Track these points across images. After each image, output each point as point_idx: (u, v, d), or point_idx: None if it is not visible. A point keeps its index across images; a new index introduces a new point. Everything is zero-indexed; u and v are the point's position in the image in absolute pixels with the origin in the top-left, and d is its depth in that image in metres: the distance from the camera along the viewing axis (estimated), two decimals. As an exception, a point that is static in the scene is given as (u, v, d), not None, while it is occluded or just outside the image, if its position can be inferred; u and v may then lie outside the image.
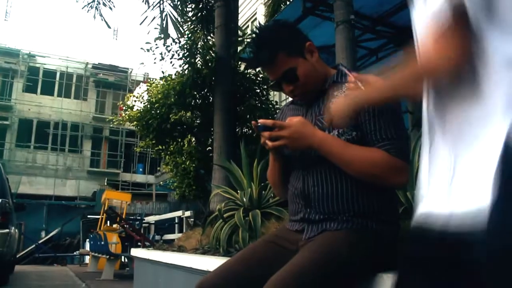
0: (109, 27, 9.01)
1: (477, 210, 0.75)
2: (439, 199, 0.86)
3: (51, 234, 18.78)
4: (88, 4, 8.16)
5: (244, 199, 3.49)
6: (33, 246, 16.94)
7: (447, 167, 0.87)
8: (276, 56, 1.54)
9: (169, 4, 7.74)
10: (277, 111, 7.65)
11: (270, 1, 8.12)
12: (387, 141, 1.40)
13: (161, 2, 7.73)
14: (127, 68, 27.43)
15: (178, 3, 7.77)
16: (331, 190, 1.47)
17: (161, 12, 7.67)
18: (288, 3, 7.70)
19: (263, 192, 3.51)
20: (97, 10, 8.21)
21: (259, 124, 1.46)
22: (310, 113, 1.60)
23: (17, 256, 9.41)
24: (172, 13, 7.79)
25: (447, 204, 0.83)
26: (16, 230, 8.16)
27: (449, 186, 0.85)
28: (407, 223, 1.88)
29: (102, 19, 8.27)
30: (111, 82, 27.06)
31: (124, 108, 8.25)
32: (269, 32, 1.64)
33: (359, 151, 1.42)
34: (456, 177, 0.84)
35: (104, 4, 8.25)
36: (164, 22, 7.62)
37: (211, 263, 2.52)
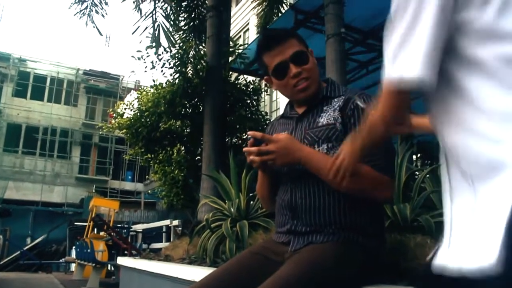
0: (101, 34, 9.00)
1: (487, 267, 0.74)
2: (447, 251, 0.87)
3: (36, 241, 18.51)
4: (81, 11, 8.16)
5: (232, 210, 3.46)
6: (18, 252, 16.68)
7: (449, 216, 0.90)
8: (289, 37, 1.60)
9: (161, 14, 7.78)
10: (267, 121, 7.68)
11: (262, 12, 8.18)
12: (373, 157, 1.40)
13: (154, 12, 7.75)
14: (118, 75, 27.37)
15: (171, 12, 7.80)
16: (318, 202, 1.47)
17: (154, 22, 7.71)
18: (280, 14, 7.77)
19: (251, 202, 3.50)
20: (89, 17, 8.21)
21: (248, 136, 1.49)
22: (299, 126, 1.61)
23: (1, 262, 9.26)
24: (164, 23, 7.83)
25: (453, 258, 0.83)
26: (1, 236, 8.04)
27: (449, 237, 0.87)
28: (393, 236, 1.91)
29: (94, 26, 8.26)
30: (102, 88, 26.94)
31: (114, 115, 8.22)
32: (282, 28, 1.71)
33: None
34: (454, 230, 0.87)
35: (97, 12, 8.25)
36: (156, 32, 7.64)
37: (197, 273, 2.51)
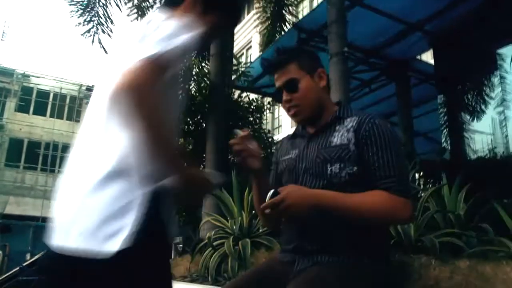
0: (107, 53, 9.06)
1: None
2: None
3: (36, 257, 18.36)
4: (88, 30, 8.26)
5: (234, 228, 3.47)
6: (17, 268, 16.53)
7: None
8: (287, 63, 1.63)
9: None
10: (270, 139, 7.67)
11: (265, 30, 8.24)
12: (390, 179, 1.43)
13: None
14: (121, 91, 27.47)
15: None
16: (327, 221, 1.46)
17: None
18: (283, 32, 7.83)
19: (254, 221, 3.50)
20: (96, 34, 8.30)
21: (235, 132, 1.59)
22: (312, 145, 1.61)
23: (0, 278, 9.15)
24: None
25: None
26: (0, 252, 7.96)
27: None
28: (397, 257, 1.90)
29: (101, 46, 8.35)
30: (104, 104, 27.00)
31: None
32: (292, 47, 1.73)
33: (359, 200, 1.42)
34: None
35: (103, 31, 8.33)
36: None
37: None
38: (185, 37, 1.13)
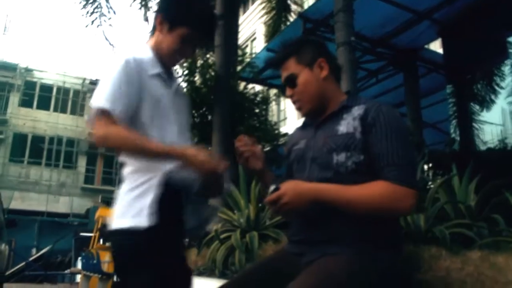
0: (112, 46, 9.08)
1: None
2: None
3: (42, 252, 18.51)
4: (91, 22, 8.28)
5: (241, 220, 3.46)
6: (23, 263, 16.67)
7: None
8: (286, 60, 1.66)
9: None
10: (276, 131, 7.62)
11: (270, 21, 8.20)
12: (394, 167, 1.42)
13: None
14: (125, 85, 27.56)
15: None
16: (334, 212, 1.44)
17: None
18: (288, 23, 7.77)
19: (261, 213, 3.48)
20: (100, 25, 8.31)
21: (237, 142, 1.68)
22: (319, 134, 1.61)
23: (6, 273, 9.22)
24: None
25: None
26: (6, 247, 8.00)
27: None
28: (407, 247, 1.87)
29: (105, 38, 8.37)
30: (108, 98, 27.12)
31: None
32: (294, 40, 1.73)
33: (357, 192, 1.43)
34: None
35: (105, 21, 8.36)
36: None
37: (206, 285, 2.49)
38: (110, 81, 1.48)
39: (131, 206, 1.49)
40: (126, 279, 1.53)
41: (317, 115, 1.65)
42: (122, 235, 1.49)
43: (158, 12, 1.67)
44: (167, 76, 1.63)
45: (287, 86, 1.67)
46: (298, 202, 1.44)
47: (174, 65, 1.74)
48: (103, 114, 1.45)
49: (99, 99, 1.46)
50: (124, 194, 1.54)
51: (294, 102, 1.69)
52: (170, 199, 1.50)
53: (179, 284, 1.59)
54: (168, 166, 1.52)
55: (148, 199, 1.48)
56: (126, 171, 1.57)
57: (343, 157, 1.49)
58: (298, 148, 1.69)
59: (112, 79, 1.48)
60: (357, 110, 1.54)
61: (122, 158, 1.59)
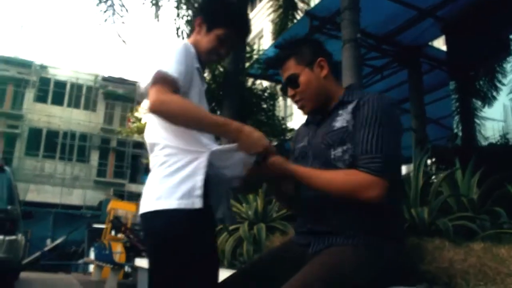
0: (125, 43, 9.22)
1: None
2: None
3: (56, 242, 18.78)
4: (105, 20, 8.42)
5: (249, 212, 3.45)
6: (39, 253, 16.97)
7: None
8: (286, 61, 1.68)
9: (186, 20, 7.99)
10: (283, 126, 7.73)
11: (277, 19, 8.24)
12: (367, 155, 1.44)
13: (176, 19, 7.96)
14: (136, 81, 27.71)
15: (191, 19, 7.98)
16: (340, 203, 1.48)
17: (177, 29, 7.93)
18: (295, 20, 7.83)
19: (268, 206, 3.48)
20: (113, 22, 8.44)
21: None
22: (319, 132, 1.64)
23: (23, 263, 9.45)
24: (186, 30, 8.04)
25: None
26: (23, 237, 8.20)
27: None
28: (411, 239, 1.90)
29: (119, 36, 8.50)
30: (120, 94, 27.33)
31: (132, 120, 8.39)
32: (292, 40, 1.75)
33: (329, 176, 1.48)
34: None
35: (119, 20, 8.50)
36: (180, 38, 7.83)
37: None
38: (177, 57, 1.50)
39: (177, 188, 1.44)
40: (163, 262, 1.47)
41: (318, 112, 1.68)
42: (164, 217, 1.44)
43: (197, 14, 1.77)
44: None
45: (288, 86, 1.68)
46: (277, 170, 1.52)
47: (209, 63, 1.87)
48: (166, 81, 1.44)
49: (166, 67, 1.46)
50: (163, 176, 1.49)
51: (296, 102, 1.69)
52: (205, 182, 1.47)
53: (212, 272, 1.53)
54: (214, 146, 1.51)
55: (198, 180, 1.45)
56: (163, 152, 1.53)
57: (339, 152, 1.50)
58: (301, 145, 1.71)
59: (176, 54, 1.51)
60: (352, 104, 1.56)
61: (156, 138, 1.57)
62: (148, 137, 1.62)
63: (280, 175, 1.54)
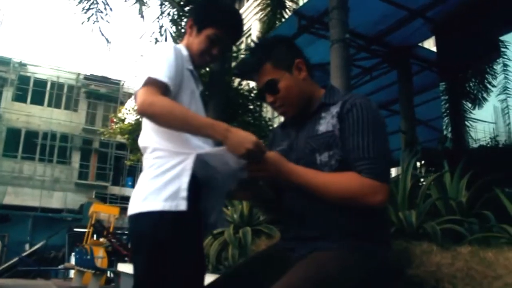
0: (109, 42, 9.03)
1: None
2: None
3: (35, 247, 18.49)
4: (88, 19, 8.24)
5: (235, 216, 3.48)
6: (16, 258, 16.63)
7: None
8: (262, 65, 1.60)
9: (171, 19, 7.92)
10: (270, 127, 7.64)
11: (265, 18, 8.19)
12: (364, 161, 1.42)
13: (159, 18, 7.86)
14: (119, 80, 27.45)
15: (177, 17, 7.88)
16: (324, 208, 1.45)
17: (160, 27, 7.84)
18: (283, 20, 7.77)
19: (254, 209, 3.49)
20: (96, 21, 8.28)
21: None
22: (301, 135, 1.60)
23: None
24: (170, 28, 7.95)
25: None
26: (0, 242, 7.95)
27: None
28: (398, 243, 1.91)
29: (102, 35, 8.35)
30: (102, 93, 27.07)
31: (115, 120, 8.21)
32: (263, 43, 1.73)
33: (328, 179, 1.44)
34: None
35: (102, 18, 8.34)
36: (163, 37, 7.73)
37: None
38: (166, 59, 1.52)
39: (162, 190, 1.45)
40: (147, 264, 1.47)
41: (299, 116, 1.63)
42: (149, 219, 1.45)
43: (189, 16, 1.81)
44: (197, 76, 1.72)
45: (266, 92, 1.62)
46: (273, 175, 1.47)
47: (203, 65, 1.84)
48: (154, 84, 1.46)
49: (155, 72, 1.48)
50: (151, 178, 1.50)
51: (276, 108, 1.64)
52: (195, 186, 1.48)
53: (197, 277, 1.53)
54: (202, 148, 1.51)
55: (184, 182, 1.46)
56: (153, 155, 1.54)
57: (326, 157, 1.48)
58: (281, 149, 1.66)
59: (166, 57, 1.53)
60: (335, 108, 1.53)
61: (147, 141, 1.58)
62: (140, 141, 1.62)
63: (273, 175, 1.47)
